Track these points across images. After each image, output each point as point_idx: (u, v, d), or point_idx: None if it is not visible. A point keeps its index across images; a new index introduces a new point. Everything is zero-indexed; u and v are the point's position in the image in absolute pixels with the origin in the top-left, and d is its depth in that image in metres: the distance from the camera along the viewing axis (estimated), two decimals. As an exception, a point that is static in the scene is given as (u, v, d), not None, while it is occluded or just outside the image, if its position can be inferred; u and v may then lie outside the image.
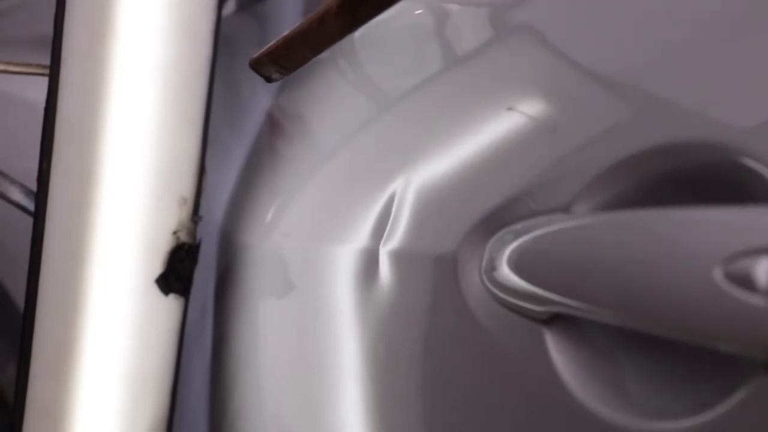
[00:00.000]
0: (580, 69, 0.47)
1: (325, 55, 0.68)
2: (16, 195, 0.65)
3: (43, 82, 0.58)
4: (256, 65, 0.42)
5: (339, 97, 0.64)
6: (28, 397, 0.58)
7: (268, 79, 0.44)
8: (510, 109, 0.48)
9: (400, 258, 0.51)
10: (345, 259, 0.54)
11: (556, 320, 0.40)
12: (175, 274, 0.57)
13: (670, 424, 0.34)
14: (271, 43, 0.41)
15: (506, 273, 0.42)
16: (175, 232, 0.57)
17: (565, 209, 0.41)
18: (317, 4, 0.72)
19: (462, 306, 0.45)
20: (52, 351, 0.57)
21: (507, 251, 0.42)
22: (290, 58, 0.40)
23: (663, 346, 0.34)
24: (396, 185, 0.53)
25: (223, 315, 0.63)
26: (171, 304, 0.58)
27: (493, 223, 0.45)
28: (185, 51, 0.55)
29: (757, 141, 0.34)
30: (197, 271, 0.60)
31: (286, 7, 0.74)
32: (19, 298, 0.67)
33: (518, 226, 0.43)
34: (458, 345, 0.47)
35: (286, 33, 0.39)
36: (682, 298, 0.31)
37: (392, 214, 0.53)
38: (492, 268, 0.43)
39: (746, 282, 0.29)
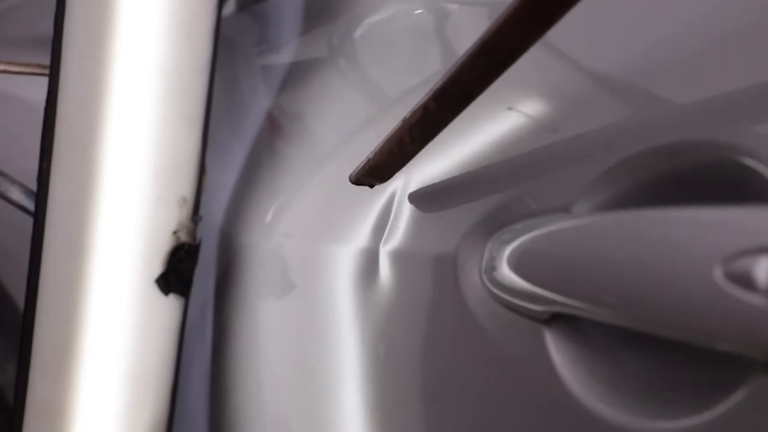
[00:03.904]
0: (580, 69, 0.47)
1: (325, 55, 0.68)
2: (16, 195, 0.65)
3: (43, 82, 0.58)
4: (357, 182, 0.50)
5: (339, 97, 0.64)
6: (28, 397, 0.58)
7: (371, 186, 0.52)
8: (510, 109, 0.48)
9: (400, 258, 0.51)
10: (345, 259, 0.54)
11: (556, 320, 0.40)
12: (176, 274, 0.57)
13: (670, 424, 0.34)
14: (363, 164, 0.48)
15: (506, 273, 0.42)
16: (175, 232, 0.57)
17: (565, 209, 0.41)
18: (318, 5, 0.72)
19: (462, 306, 0.45)
20: (52, 351, 0.57)
21: (507, 251, 0.42)
22: (382, 173, 0.48)
23: (663, 345, 0.34)
24: (396, 185, 0.53)
25: (223, 315, 0.63)
26: (171, 304, 0.58)
27: (493, 222, 0.45)
28: (185, 51, 0.55)
29: (757, 141, 0.34)
30: (197, 271, 0.60)
31: (286, 7, 0.74)
32: (19, 298, 0.67)
33: (518, 226, 0.43)
34: (458, 345, 0.47)
35: (372, 156, 0.47)
36: (682, 298, 0.31)
37: (392, 214, 0.53)
38: (492, 267, 0.43)
39: (746, 282, 0.29)
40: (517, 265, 0.41)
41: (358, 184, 0.50)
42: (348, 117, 0.61)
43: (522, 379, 0.42)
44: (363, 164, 0.48)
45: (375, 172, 0.48)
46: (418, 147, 0.44)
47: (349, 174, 0.50)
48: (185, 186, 0.58)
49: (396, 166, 0.47)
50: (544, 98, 0.47)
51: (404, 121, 0.42)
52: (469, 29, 0.57)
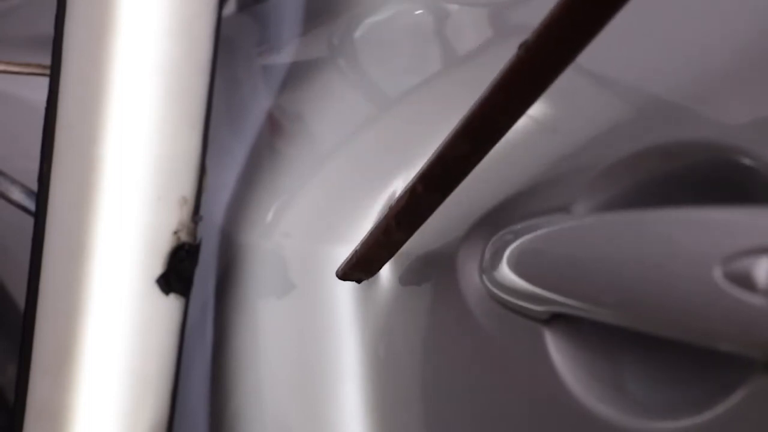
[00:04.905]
0: (580, 69, 0.47)
1: (325, 55, 0.68)
2: (17, 195, 0.65)
3: (43, 82, 0.58)
4: (344, 277, 0.49)
5: (339, 96, 0.64)
6: (28, 397, 0.58)
7: (358, 281, 0.51)
8: (510, 109, 0.47)
9: (400, 258, 0.51)
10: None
11: (556, 320, 0.40)
12: (176, 274, 0.57)
13: (670, 424, 0.34)
14: (350, 257, 0.47)
15: (506, 273, 0.42)
16: (175, 232, 0.57)
17: (565, 209, 0.41)
18: (318, 5, 0.72)
19: (462, 306, 0.45)
20: (52, 351, 0.57)
21: (507, 251, 0.42)
22: (370, 266, 0.47)
23: (663, 345, 0.34)
24: (396, 185, 0.53)
25: (223, 315, 0.63)
26: (171, 304, 0.58)
27: (493, 223, 0.45)
28: (185, 51, 0.55)
29: (757, 141, 0.34)
30: (198, 271, 0.60)
31: (287, 7, 0.74)
32: (20, 298, 0.67)
33: (518, 226, 0.43)
34: (458, 345, 0.47)
35: (359, 247, 0.46)
36: (681, 298, 0.31)
37: (392, 214, 0.53)
38: (492, 267, 0.43)
39: (746, 282, 0.29)
40: (517, 265, 0.41)
41: (345, 279, 0.49)
42: (348, 117, 0.61)
43: (522, 379, 0.42)
44: (350, 257, 0.47)
45: (362, 265, 0.46)
46: (406, 235, 0.43)
47: (348, 173, 0.50)
48: (186, 186, 0.58)
49: (384, 258, 0.45)
50: (544, 98, 0.47)
51: (390, 208, 0.41)
52: (469, 29, 0.57)
